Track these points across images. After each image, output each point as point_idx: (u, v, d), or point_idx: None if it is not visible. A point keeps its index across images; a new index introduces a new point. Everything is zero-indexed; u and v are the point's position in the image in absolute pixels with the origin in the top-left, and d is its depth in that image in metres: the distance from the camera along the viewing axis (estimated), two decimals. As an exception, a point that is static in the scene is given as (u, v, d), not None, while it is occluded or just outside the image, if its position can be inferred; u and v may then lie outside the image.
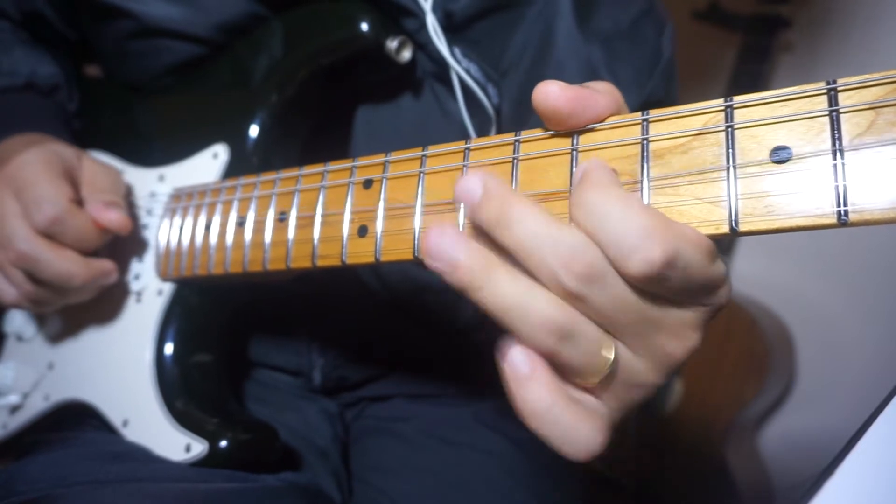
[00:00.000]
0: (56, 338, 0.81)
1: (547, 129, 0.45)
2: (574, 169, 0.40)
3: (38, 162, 0.69)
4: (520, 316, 0.37)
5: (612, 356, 0.39)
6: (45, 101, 0.87)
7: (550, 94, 0.41)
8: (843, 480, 0.33)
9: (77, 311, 0.76)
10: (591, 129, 0.43)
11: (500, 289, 0.37)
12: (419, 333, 0.90)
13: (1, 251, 0.69)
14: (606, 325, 0.38)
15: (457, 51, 0.72)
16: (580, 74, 0.75)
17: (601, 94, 0.42)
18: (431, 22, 0.69)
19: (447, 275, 0.38)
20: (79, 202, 0.71)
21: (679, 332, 0.39)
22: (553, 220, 0.38)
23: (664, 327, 0.39)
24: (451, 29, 0.72)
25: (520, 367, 0.38)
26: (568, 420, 0.38)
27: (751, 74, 1.65)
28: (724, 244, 1.76)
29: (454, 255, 0.38)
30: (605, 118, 0.43)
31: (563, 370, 0.39)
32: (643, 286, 0.36)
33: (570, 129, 0.43)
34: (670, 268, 0.35)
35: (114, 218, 0.70)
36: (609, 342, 0.39)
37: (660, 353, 0.40)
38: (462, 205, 0.40)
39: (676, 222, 0.37)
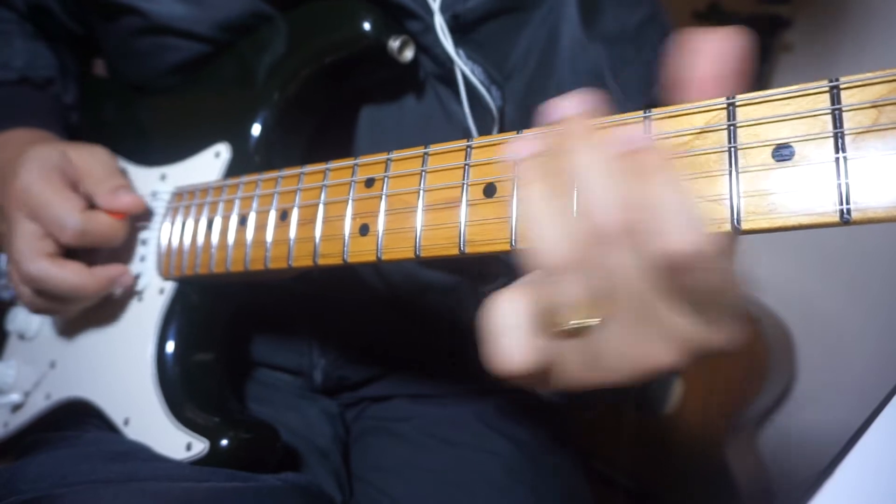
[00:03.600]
0: (58, 336, 0.81)
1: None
2: (623, 130, 0.39)
3: (40, 180, 0.69)
4: (541, 225, 0.39)
5: (583, 318, 0.38)
6: (40, 95, 0.88)
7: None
8: (843, 480, 0.33)
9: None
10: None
11: (542, 193, 0.39)
12: (420, 333, 0.90)
13: (13, 269, 0.71)
14: (603, 290, 0.38)
15: (461, 53, 0.72)
16: (585, 78, 0.75)
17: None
18: (439, 22, 0.69)
19: (515, 159, 0.43)
20: (87, 199, 0.72)
21: (663, 340, 0.38)
22: (616, 168, 0.37)
23: (653, 324, 0.38)
24: (458, 30, 0.73)
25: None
26: (509, 327, 0.39)
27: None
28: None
29: (527, 146, 0.41)
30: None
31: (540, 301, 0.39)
32: (670, 267, 0.35)
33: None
34: (703, 258, 0.34)
35: (127, 201, 0.72)
36: (591, 308, 0.38)
37: (634, 349, 0.39)
38: (550, 120, 0.42)
39: None
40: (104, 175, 0.73)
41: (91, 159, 0.74)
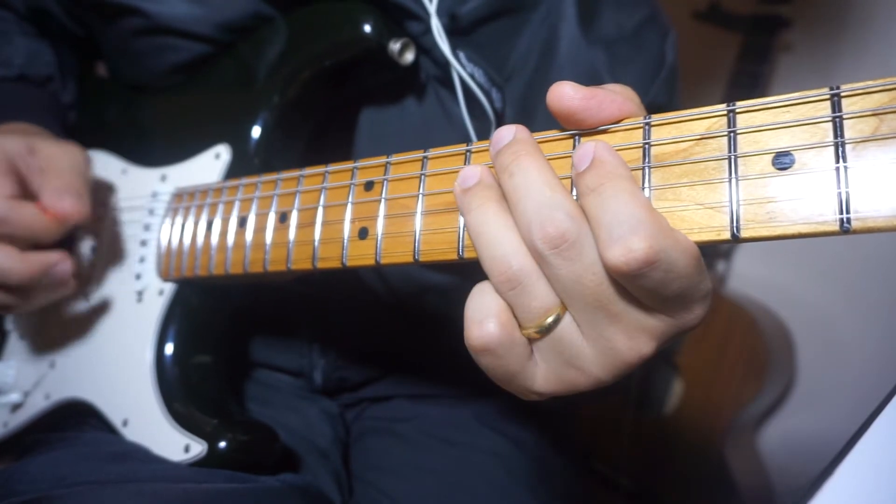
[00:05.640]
0: (58, 336, 0.81)
1: (552, 131, 0.45)
2: (576, 149, 0.40)
3: None
4: (487, 246, 0.41)
5: (549, 321, 0.41)
6: (38, 92, 0.88)
7: (564, 95, 0.42)
8: (843, 481, 0.33)
9: (79, 309, 0.77)
10: (594, 133, 0.44)
11: (484, 217, 0.42)
12: (420, 334, 0.90)
13: None
14: (562, 295, 0.40)
15: (461, 55, 0.72)
16: (583, 79, 0.74)
17: (617, 94, 0.43)
18: (436, 25, 0.69)
19: (458, 192, 0.43)
20: (31, 194, 0.69)
21: (634, 335, 0.40)
22: (553, 183, 0.40)
23: (620, 322, 0.39)
24: (456, 32, 0.72)
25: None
26: (487, 315, 0.41)
27: (751, 75, 1.64)
28: (724, 247, 1.76)
29: (471, 175, 0.43)
30: (622, 119, 0.43)
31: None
32: (617, 278, 0.37)
33: (585, 129, 0.44)
34: (650, 267, 0.35)
35: (66, 206, 0.67)
36: (556, 310, 0.41)
37: (607, 346, 0.40)
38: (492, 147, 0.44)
39: (673, 228, 0.37)
40: (62, 174, 0.70)
41: (62, 157, 0.72)
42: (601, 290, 0.39)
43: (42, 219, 0.67)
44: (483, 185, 0.43)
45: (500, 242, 0.41)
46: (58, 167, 0.70)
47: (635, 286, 0.37)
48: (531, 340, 0.42)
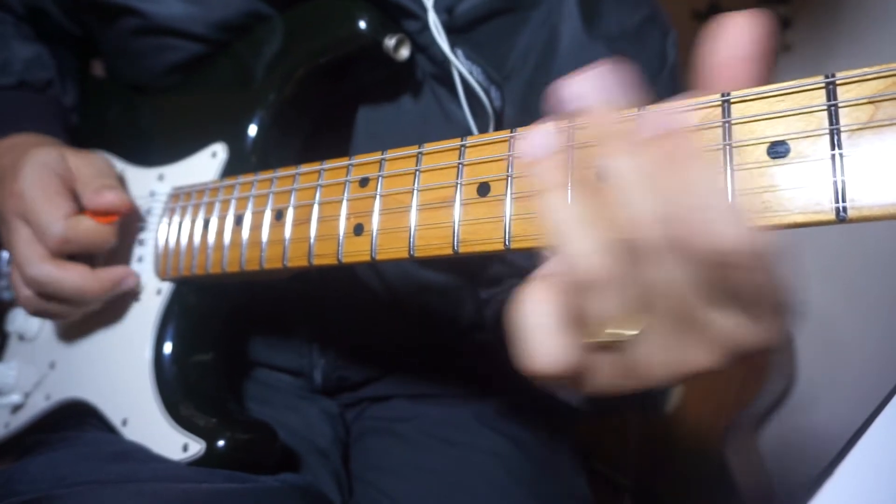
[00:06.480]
0: (58, 337, 0.81)
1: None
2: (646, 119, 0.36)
3: (36, 184, 0.70)
4: (567, 241, 0.35)
5: (626, 331, 0.36)
6: (40, 98, 0.88)
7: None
8: (843, 480, 0.33)
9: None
10: (587, 126, 0.43)
11: (562, 201, 0.36)
12: (420, 333, 0.89)
13: (17, 272, 0.72)
14: (645, 304, 0.35)
15: (460, 53, 0.72)
16: None
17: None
18: (433, 20, 0.69)
19: (528, 163, 0.38)
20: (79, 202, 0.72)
21: (702, 345, 0.36)
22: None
23: (695, 329, 0.35)
24: (455, 30, 0.73)
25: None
26: (538, 328, 0.36)
27: (750, 74, 1.64)
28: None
29: (547, 143, 0.37)
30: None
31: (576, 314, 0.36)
32: (713, 268, 0.33)
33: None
34: (751, 253, 0.32)
35: (110, 198, 0.71)
36: (629, 324, 0.36)
37: (676, 357, 0.36)
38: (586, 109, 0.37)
39: None
40: (93, 176, 0.73)
41: (83, 163, 0.75)
42: (687, 290, 0.34)
43: (100, 228, 0.71)
44: (563, 158, 0.38)
45: (586, 235, 0.35)
46: (86, 171, 0.74)
47: (727, 281, 0.33)
48: (600, 349, 0.38)
